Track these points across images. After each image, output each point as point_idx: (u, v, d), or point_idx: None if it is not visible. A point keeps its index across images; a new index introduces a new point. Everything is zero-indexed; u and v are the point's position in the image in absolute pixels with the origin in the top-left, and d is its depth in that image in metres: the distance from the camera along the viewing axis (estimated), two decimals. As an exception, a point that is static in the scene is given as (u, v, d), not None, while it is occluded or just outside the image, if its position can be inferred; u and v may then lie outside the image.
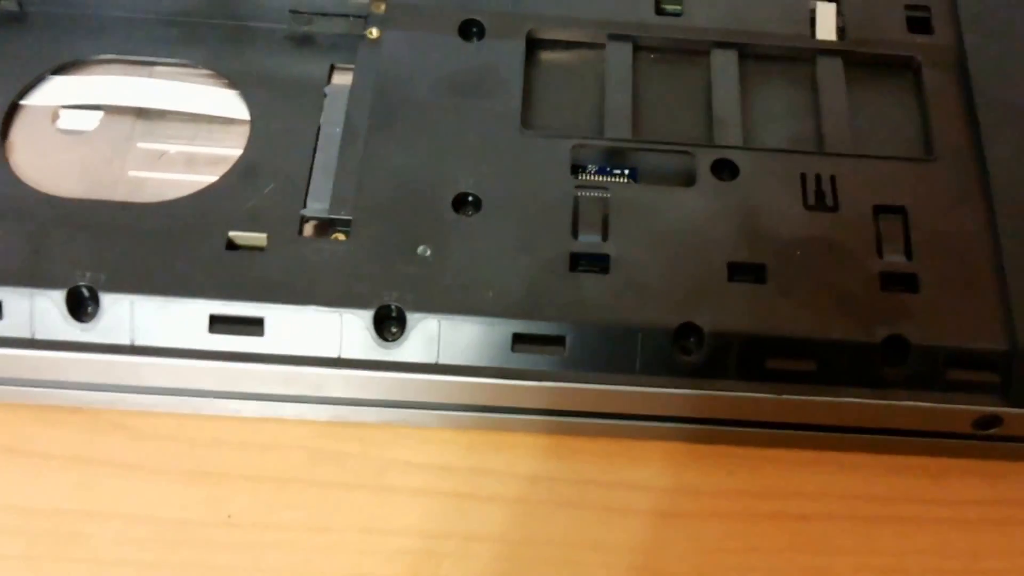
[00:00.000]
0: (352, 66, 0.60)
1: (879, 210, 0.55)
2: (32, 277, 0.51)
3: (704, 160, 0.56)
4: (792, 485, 0.55)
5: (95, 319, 0.51)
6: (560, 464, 0.56)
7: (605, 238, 0.54)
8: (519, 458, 0.56)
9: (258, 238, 0.53)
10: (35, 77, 0.60)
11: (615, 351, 0.52)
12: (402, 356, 0.52)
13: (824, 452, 0.56)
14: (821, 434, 0.54)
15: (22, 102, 0.59)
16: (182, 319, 0.51)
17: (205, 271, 0.52)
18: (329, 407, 0.55)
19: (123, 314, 0.51)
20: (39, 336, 0.51)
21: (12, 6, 0.61)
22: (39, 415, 0.55)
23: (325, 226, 0.55)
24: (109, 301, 0.51)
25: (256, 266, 0.52)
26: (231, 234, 0.53)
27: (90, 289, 0.51)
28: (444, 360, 0.52)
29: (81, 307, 0.52)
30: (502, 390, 0.53)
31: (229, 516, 0.53)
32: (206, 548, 0.53)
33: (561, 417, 0.55)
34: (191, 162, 0.58)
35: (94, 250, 0.52)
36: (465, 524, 0.54)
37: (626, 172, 0.57)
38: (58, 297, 0.51)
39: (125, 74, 0.61)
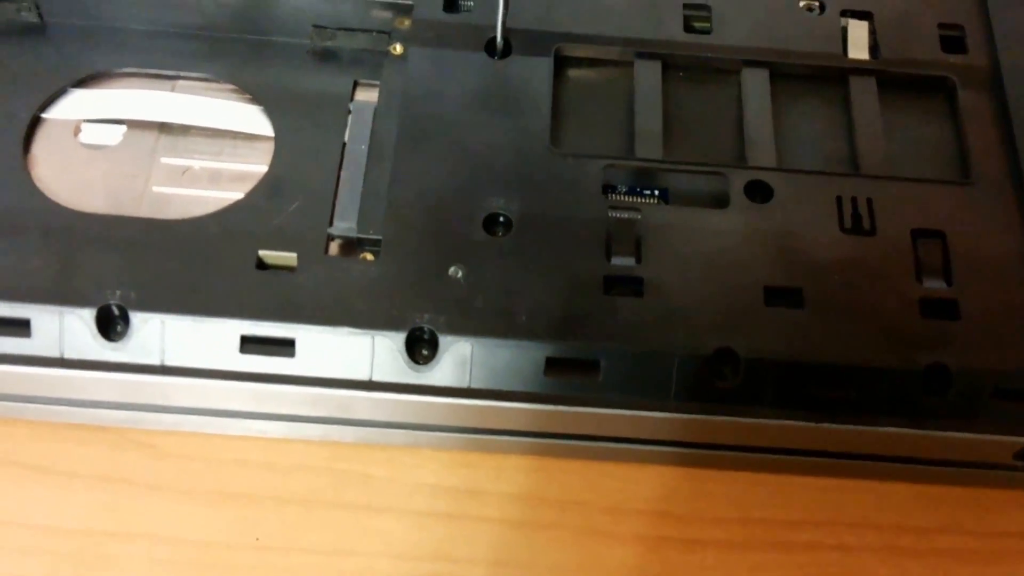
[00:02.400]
0: (376, 82, 0.60)
1: (917, 234, 0.54)
2: (62, 295, 0.51)
3: (737, 181, 0.55)
4: (828, 514, 0.55)
5: (125, 338, 0.51)
6: (590, 491, 0.55)
7: (639, 261, 0.53)
8: (549, 483, 0.55)
9: (288, 257, 0.52)
10: (57, 90, 0.59)
11: (650, 376, 0.51)
12: (434, 380, 0.51)
13: (862, 480, 0.55)
14: (859, 462, 0.54)
15: (44, 115, 0.59)
16: (213, 339, 0.51)
17: (236, 290, 0.51)
18: (356, 428, 0.54)
19: (154, 333, 0.50)
20: (68, 355, 0.51)
21: (33, 18, 0.60)
22: (65, 433, 0.55)
23: (351, 244, 0.55)
24: (139, 320, 0.50)
25: (287, 286, 0.52)
26: (261, 253, 0.52)
27: (120, 308, 0.51)
28: (476, 384, 0.51)
29: (111, 326, 0.51)
30: (535, 415, 0.52)
31: (257, 539, 0.53)
32: (233, 571, 0.53)
33: (592, 442, 0.54)
34: (215, 178, 0.57)
35: (123, 268, 0.51)
36: (492, 550, 0.54)
37: (656, 193, 0.57)
38: (88, 316, 0.50)
39: (147, 88, 0.60)
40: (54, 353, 0.51)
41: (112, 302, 0.50)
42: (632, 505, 0.54)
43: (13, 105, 0.58)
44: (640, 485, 0.55)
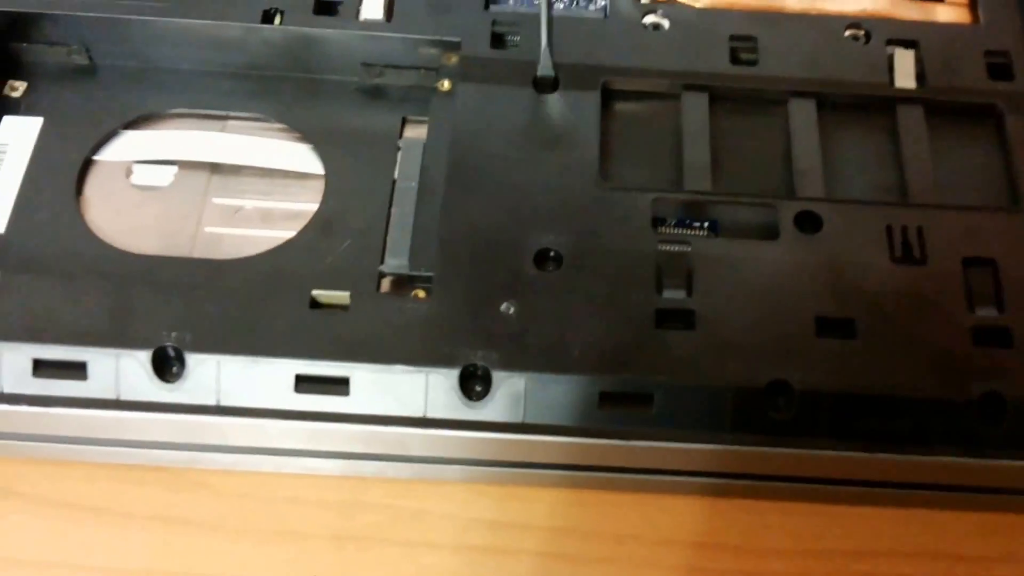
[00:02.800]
0: (424, 118, 0.60)
1: (968, 262, 0.54)
2: (117, 338, 0.51)
3: (786, 213, 0.55)
4: (885, 544, 0.54)
5: (181, 379, 0.51)
6: (645, 525, 0.55)
7: (689, 293, 0.53)
8: (603, 517, 0.55)
9: (341, 296, 0.53)
10: (108, 132, 0.60)
11: (704, 409, 0.51)
12: (488, 415, 0.51)
13: (918, 510, 0.55)
14: (915, 492, 0.54)
15: (96, 158, 0.59)
16: (268, 379, 0.51)
17: (290, 330, 0.52)
18: (411, 464, 0.54)
19: (209, 374, 0.51)
20: (125, 397, 0.51)
21: (83, 60, 0.61)
22: (121, 474, 0.55)
23: (402, 281, 0.55)
24: (195, 361, 0.51)
25: (340, 325, 0.52)
26: (314, 292, 0.53)
27: (176, 349, 0.51)
28: (530, 419, 0.51)
29: (167, 367, 0.51)
30: (589, 449, 0.52)
31: (314, 577, 0.52)
32: (291, 611, 0.52)
33: (645, 475, 0.54)
34: (267, 217, 0.58)
35: (178, 309, 0.52)
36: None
37: (706, 225, 0.57)
38: (144, 358, 0.51)
39: (198, 128, 0.61)
40: (110, 395, 0.51)
41: (168, 344, 0.51)
42: (686, 538, 0.54)
43: (65, 148, 0.59)
44: (694, 518, 0.55)
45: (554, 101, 0.59)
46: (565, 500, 0.55)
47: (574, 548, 0.54)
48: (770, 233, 0.55)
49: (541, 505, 0.55)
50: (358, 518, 0.55)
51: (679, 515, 0.55)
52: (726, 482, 0.54)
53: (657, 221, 0.56)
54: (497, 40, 0.61)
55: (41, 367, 0.51)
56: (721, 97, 0.61)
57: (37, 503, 0.55)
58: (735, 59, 0.61)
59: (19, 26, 0.61)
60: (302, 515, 0.55)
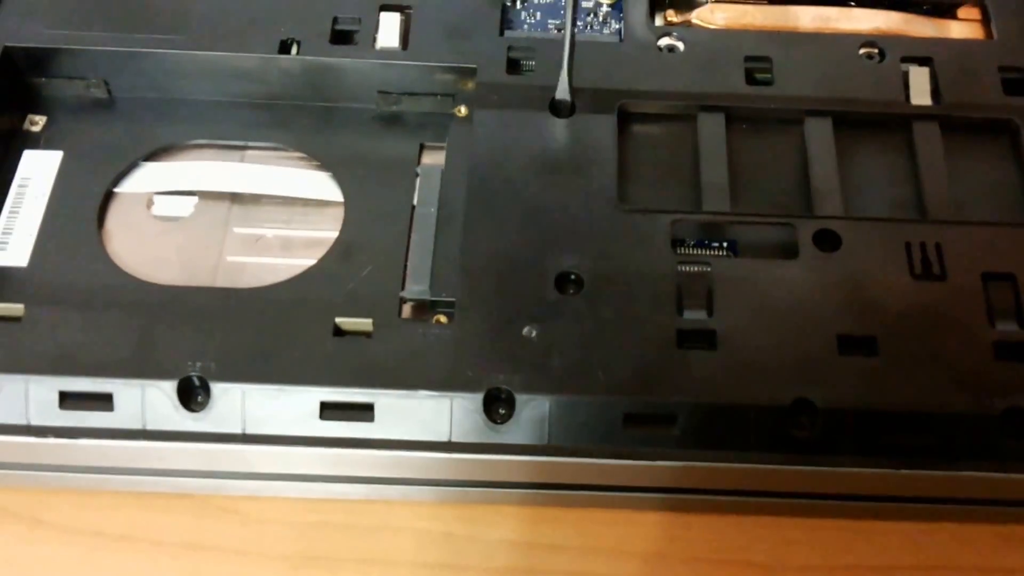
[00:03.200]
0: (441, 144, 0.61)
1: (988, 277, 0.54)
2: (143, 369, 0.51)
3: (805, 231, 0.56)
4: (911, 558, 0.55)
5: (206, 408, 0.51)
6: (671, 543, 0.55)
7: (711, 314, 0.53)
8: (629, 536, 0.55)
9: (364, 323, 0.53)
10: (128, 164, 0.60)
11: (728, 428, 0.51)
12: (512, 438, 0.51)
13: (943, 524, 0.55)
14: (940, 506, 0.54)
15: (116, 190, 0.59)
16: (293, 407, 0.51)
17: (315, 358, 0.52)
18: (436, 488, 0.55)
19: (235, 403, 0.51)
20: (151, 427, 0.51)
21: (102, 94, 0.62)
22: (149, 502, 0.55)
23: (423, 307, 0.55)
24: (220, 390, 0.51)
25: (364, 352, 0.52)
26: (338, 320, 0.53)
27: (201, 379, 0.51)
28: (554, 441, 0.52)
29: (192, 396, 0.51)
30: (614, 470, 0.52)
31: (340, 602, 0.52)
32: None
33: (671, 494, 0.54)
34: (287, 245, 0.58)
35: (202, 339, 0.52)
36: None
37: (725, 245, 0.57)
38: (169, 388, 0.51)
39: (217, 159, 0.61)
40: (137, 425, 0.51)
41: (192, 373, 0.51)
42: (714, 555, 0.55)
43: (86, 181, 0.59)
44: (721, 535, 0.55)
45: (571, 125, 0.59)
46: (590, 519, 0.55)
47: (600, 568, 0.54)
48: (789, 252, 0.55)
49: (566, 526, 0.55)
50: (385, 541, 0.55)
51: (705, 533, 0.55)
52: (751, 500, 0.54)
53: (676, 242, 0.56)
54: (513, 65, 0.61)
55: (67, 399, 0.51)
56: (737, 117, 0.61)
57: (66, 532, 0.55)
58: (751, 79, 0.62)
59: (38, 61, 0.61)
60: (329, 539, 0.55)
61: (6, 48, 0.61)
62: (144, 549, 0.54)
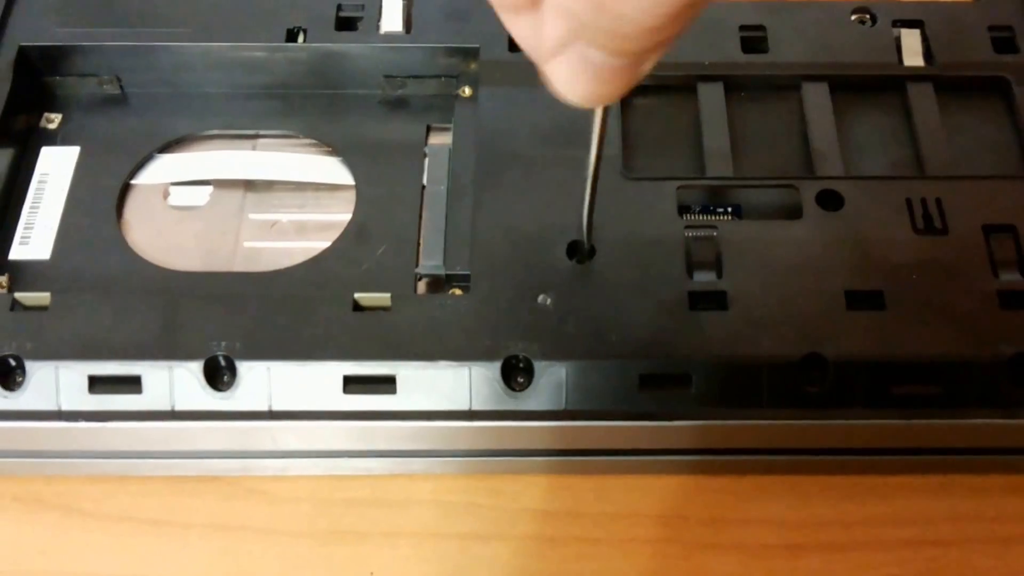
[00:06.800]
0: (447, 125, 0.62)
1: (988, 229, 0.55)
2: (169, 350, 0.52)
3: (808, 192, 0.57)
4: (925, 510, 0.56)
5: (232, 387, 0.52)
6: (690, 504, 0.56)
7: (720, 275, 0.54)
8: (650, 499, 0.56)
9: (382, 298, 0.54)
10: (143, 157, 0.61)
11: (741, 386, 0.52)
12: (531, 405, 0.52)
13: (955, 476, 0.56)
14: (951, 458, 0.55)
15: (133, 182, 0.60)
16: (317, 382, 0.52)
17: (336, 334, 0.53)
18: (459, 460, 0.56)
19: (260, 380, 0.52)
20: (179, 407, 0.52)
21: (114, 90, 0.63)
22: (177, 486, 0.56)
23: (439, 282, 0.56)
24: (245, 368, 0.52)
25: (383, 325, 0.53)
26: (356, 296, 0.54)
27: (227, 358, 0.52)
28: (572, 406, 0.53)
29: (218, 376, 0.53)
30: (632, 432, 0.53)
31: (372, 573, 0.54)
32: (353, 607, 0.53)
33: (688, 456, 0.55)
34: (302, 229, 0.59)
35: (226, 320, 0.53)
36: (598, 570, 0.55)
37: (729, 210, 0.58)
38: (196, 368, 0.52)
39: (230, 148, 0.62)
40: (165, 406, 0.52)
41: (218, 353, 0.52)
42: (732, 515, 0.56)
43: (103, 174, 0.60)
44: (737, 496, 0.56)
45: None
46: (610, 486, 0.56)
47: (622, 532, 0.55)
48: (793, 213, 0.56)
49: (587, 492, 0.56)
50: (411, 515, 0.56)
51: (723, 494, 0.56)
52: (766, 459, 0.55)
53: (683, 209, 0.57)
54: (515, 44, 0.62)
55: (97, 383, 0.53)
56: (736, 86, 0.62)
57: (99, 519, 0.56)
58: (747, 48, 0.63)
59: (51, 60, 0.63)
60: (357, 515, 0.56)
61: (21, 48, 0.62)
62: (175, 532, 0.55)
